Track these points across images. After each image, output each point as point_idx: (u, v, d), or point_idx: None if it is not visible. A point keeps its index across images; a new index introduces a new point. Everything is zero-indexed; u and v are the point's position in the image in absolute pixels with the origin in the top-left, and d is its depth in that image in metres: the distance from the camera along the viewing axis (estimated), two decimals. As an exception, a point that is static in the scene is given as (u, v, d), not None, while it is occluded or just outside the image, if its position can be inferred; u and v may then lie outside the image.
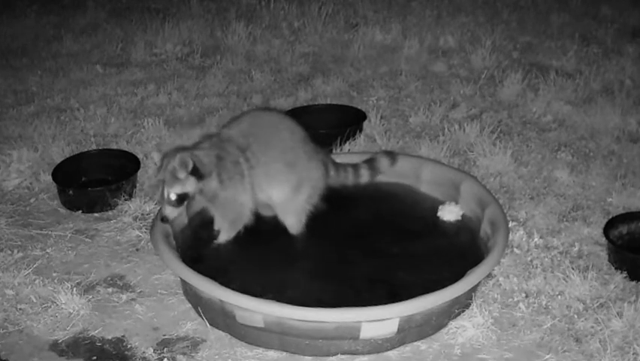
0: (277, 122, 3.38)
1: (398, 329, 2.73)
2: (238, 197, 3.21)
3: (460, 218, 3.45)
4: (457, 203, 3.49)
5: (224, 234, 3.33)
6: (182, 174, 3.03)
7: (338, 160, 3.59)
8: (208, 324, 2.92)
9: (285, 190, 3.29)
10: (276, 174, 3.26)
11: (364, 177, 3.55)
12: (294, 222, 3.35)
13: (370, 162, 3.58)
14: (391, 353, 2.78)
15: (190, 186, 3.06)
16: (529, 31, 6.08)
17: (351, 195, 3.68)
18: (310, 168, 3.33)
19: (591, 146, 4.28)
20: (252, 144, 3.23)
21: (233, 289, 2.75)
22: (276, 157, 3.25)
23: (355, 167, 3.54)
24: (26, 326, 2.99)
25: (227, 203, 3.22)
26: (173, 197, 3.05)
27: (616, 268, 3.18)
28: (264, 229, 3.42)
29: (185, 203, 3.13)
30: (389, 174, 3.70)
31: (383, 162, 3.59)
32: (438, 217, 3.48)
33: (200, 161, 3.08)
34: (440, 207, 3.50)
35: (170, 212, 3.08)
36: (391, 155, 3.64)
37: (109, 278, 3.30)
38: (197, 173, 3.06)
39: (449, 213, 3.47)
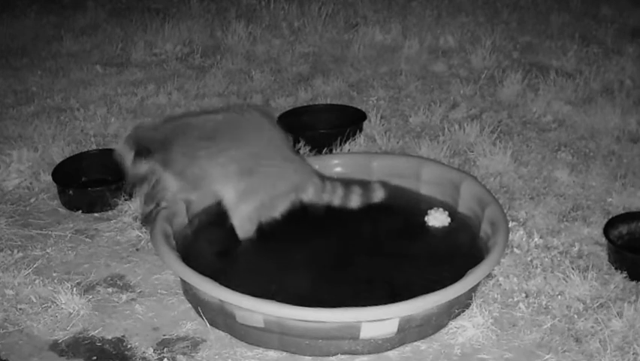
0: (255, 126, 3.28)
1: (398, 329, 2.73)
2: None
3: (446, 225, 3.43)
4: (444, 209, 3.48)
5: (240, 230, 3.30)
6: (129, 159, 3.07)
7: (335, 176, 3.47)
8: (208, 324, 2.92)
9: (230, 194, 3.24)
10: (227, 175, 3.21)
11: (354, 201, 3.38)
12: (237, 227, 3.29)
13: (365, 189, 3.42)
14: (391, 353, 2.78)
15: (142, 167, 3.10)
16: (529, 31, 6.08)
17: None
18: (276, 180, 3.23)
19: (591, 146, 4.29)
20: (216, 137, 3.17)
21: (233, 289, 2.75)
22: (234, 159, 3.19)
23: (347, 188, 3.38)
24: (26, 326, 2.99)
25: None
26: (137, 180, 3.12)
27: (616, 268, 3.18)
28: (264, 229, 3.43)
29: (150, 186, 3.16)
30: (389, 175, 3.71)
31: (378, 194, 3.43)
32: (425, 223, 3.45)
33: (141, 137, 3.09)
34: (429, 211, 3.48)
35: (145, 209, 3.18)
36: (386, 185, 3.49)
37: (109, 278, 3.30)
38: (142, 153, 3.07)
39: (434, 220, 3.45)
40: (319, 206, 3.36)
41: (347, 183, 3.42)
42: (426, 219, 3.46)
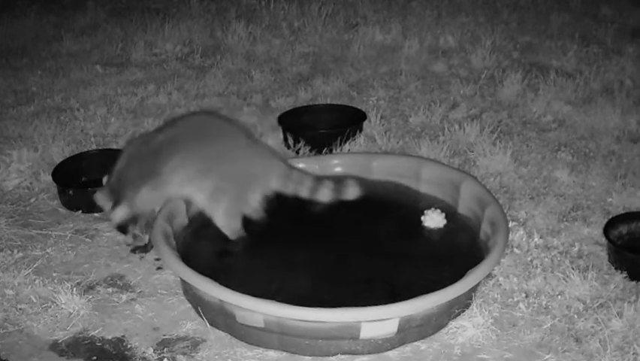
0: (209, 129, 3.29)
1: (398, 329, 2.73)
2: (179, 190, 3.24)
3: (441, 226, 3.43)
4: (441, 210, 3.47)
5: (226, 229, 3.32)
6: (108, 211, 3.27)
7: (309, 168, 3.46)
8: (208, 324, 2.92)
9: (200, 197, 3.27)
10: (190, 180, 3.23)
11: (324, 195, 3.30)
12: (222, 227, 3.30)
13: (338, 184, 3.34)
14: (391, 353, 2.78)
15: (122, 211, 3.29)
16: (529, 31, 6.08)
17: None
18: (239, 172, 3.23)
19: (591, 146, 4.29)
20: (170, 147, 3.23)
21: (233, 289, 2.75)
22: (192, 164, 3.21)
23: (318, 181, 3.31)
24: (26, 326, 2.98)
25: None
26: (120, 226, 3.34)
27: (616, 268, 3.18)
28: (263, 229, 3.43)
29: (137, 222, 3.34)
30: (389, 175, 3.71)
31: (352, 191, 3.34)
32: (421, 223, 3.45)
33: (111, 190, 3.28)
34: (425, 212, 3.47)
35: (129, 237, 3.38)
36: (362, 184, 3.39)
37: (109, 278, 3.30)
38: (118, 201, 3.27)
39: (430, 220, 3.44)
40: (290, 197, 3.32)
41: (319, 177, 3.36)
42: (422, 219, 3.46)
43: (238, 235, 3.31)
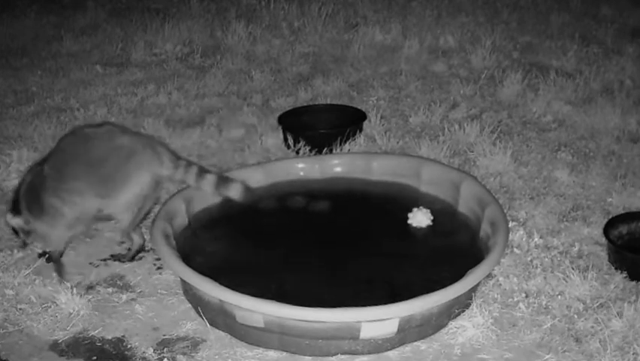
0: (80, 142, 3.28)
1: (398, 329, 2.72)
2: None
3: (424, 226, 3.42)
4: (426, 208, 3.47)
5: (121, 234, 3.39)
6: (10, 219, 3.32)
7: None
8: (208, 324, 2.92)
9: (94, 201, 3.26)
10: (77, 189, 3.22)
11: (207, 185, 3.31)
12: (120, 220, 3.33)
13: (222, 180, 3.34)
14: (391, 353, 2.78)
15: (15, 222, 3.31)
16: (529, 31, 6.09)
17: (352, 195, 3.68)
18: (122, 168, 3.21)
19: (591, 146, 4.29)
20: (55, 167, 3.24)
21: (233, 289, 2.75)
22: (75, 176, 3.21)
23: (202, 171, 3.32)
24: (26, 326, 2.98)
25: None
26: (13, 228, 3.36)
27: (616, 268, 3.18)
28: (263, 229, 3.43)
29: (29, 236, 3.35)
30: (389, 175, 3.71)
31: (234, 190, 3.33)
32: (409, 224, 3.44)
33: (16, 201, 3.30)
34: (413, 209, 3.46)
35: (20, 241, 3.40)
36: (249, 191, 3.37)
37: (109, 278, 3.30)
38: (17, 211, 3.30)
39: (413, 219, 3.44)
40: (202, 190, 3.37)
41: (204, 168, 3.36)
42: (409, 221, 3.45)
43: (132, 228, 3.33)
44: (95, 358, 2.82)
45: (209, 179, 3.32)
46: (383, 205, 3.62)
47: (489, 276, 3.08)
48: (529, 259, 3.25)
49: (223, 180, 3.36)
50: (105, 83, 5.38)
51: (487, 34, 5.80)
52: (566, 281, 3.08)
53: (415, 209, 3.46)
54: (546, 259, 3.24)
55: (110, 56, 5.94)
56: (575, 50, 5.53)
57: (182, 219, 3.36)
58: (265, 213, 3.56)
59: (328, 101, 4.94)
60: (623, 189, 3.79)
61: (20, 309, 3.07)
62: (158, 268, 3.34)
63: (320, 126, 4.40)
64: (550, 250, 3.32)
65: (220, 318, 2.86)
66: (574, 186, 3.88)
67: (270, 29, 6.28)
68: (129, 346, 2.87)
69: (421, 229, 3.42)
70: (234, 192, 3.34)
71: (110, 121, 3.76)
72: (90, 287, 3.22)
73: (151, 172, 3.24)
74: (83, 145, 3.25)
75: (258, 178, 3.67)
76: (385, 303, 2.70)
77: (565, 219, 3.57)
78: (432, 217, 3.44)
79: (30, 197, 3.26)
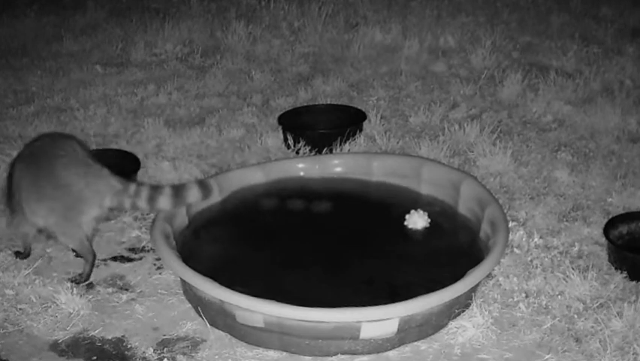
0: (42, 154, 3.27)
1: (398, 329, 2.72)
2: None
3: (419, 228, 3.42)
4: (423, 210, 3.46)
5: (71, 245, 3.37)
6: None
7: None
8: (208, 324, 2.92)
9: (42, 222, 3.27)
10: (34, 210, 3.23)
11: (162, 203, 3.20)
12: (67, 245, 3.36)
13: (178, 190, 3.24)
14: (391, 353, 2.78)
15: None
16: (529, 31, 6.08)
17: (352, 195, 3.69)
18: (72, 196, 3.19)
19: (591, 146, 4.29)
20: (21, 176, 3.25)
21: (233, 289, 2.75)
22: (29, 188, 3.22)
23: (155, 190, 3.21)
24: (26, 326, 2.98)
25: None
26: None
27: (616, 268, 3.18)
28: (263, 229, 3.43)
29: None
30: (389, 175, 3.71)
31: (192, 193, 3.25)
32: (405, 226, 3.43)
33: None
34: (411, 211, 3.46)
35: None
36: (205, 187, 3.29)
37: (109, 278, 3.30)
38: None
39: (409, 220, 3.43)
40: (190, 209, 3.37)
41: (156, 186, 3.28)
42: (406, 223, 3.45)
43: (85, 251, 3.27)
44: (95, 358, 2.82)
45: (163, 196, 3.20)
46: (383, 205, 3.62)
47: (489, 276, 3.08)
48: (529, 259, 3.25)
49: (179, 189, 3.25)
50: (105, 83, 5.37)
51: (487, 34, 5.80)
52: (566, 281, 3.08)
53: (412, 211, 3.46)
54: (546, 259, 3.24)
55: (110, 56, 5.94)
56: (575, 50, 5.53)
57: (182, 220, 3.36)
58: (265, 213, 3.57)
59: (328, 101, 4.94)
60: (623, 189, 3.79)
61: (20, 309, 3.07)
62: (158, 268, 3.35)
63: (320, 126, 4.40)
64: (550, 250, 3.32)
65: (220, 318, 2.86)
66: (574, 186, 3.88)
67: (270, 29, 6.28)
68: (129, 346, 2.87)
69: (417, 230, 3.42)
70: (193, 196, 3.25)
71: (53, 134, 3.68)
72: (90, 287, 3.22)
73: (93, 210, 3.22)
74: (35, 165, 3.23)
75: (258, 178, 3.68)
76: (385, 303, 2.70)
77: (565, 219, 3.57)
78: (429, 220, 3.43)
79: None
